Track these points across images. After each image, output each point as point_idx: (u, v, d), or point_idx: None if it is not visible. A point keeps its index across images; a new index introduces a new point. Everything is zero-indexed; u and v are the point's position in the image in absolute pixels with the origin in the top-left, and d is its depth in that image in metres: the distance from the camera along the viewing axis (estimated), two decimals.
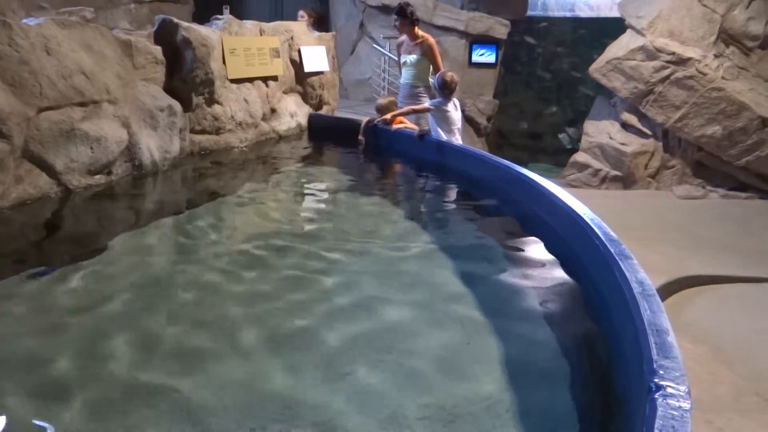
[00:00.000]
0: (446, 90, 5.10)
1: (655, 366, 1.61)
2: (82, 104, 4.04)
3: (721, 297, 5.19)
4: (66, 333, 2.28)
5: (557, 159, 12.28)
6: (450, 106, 5.20)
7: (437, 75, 5.28)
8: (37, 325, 2.33)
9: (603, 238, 2.63)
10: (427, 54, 5.80)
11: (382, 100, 5.99)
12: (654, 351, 1.68)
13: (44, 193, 3.79)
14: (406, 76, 6.03)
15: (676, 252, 5.95)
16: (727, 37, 8.79)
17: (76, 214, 3.75)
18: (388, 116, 5.25)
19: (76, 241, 3.38)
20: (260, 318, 2.45)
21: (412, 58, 5.87)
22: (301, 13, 7.77)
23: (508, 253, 3.34)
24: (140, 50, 4.75)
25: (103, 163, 4.17)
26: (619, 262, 2.33)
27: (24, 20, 4.10)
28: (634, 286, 2.11)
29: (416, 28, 5.83)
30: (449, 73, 5.19)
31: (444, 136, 5.24)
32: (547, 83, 13.42)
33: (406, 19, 5.74)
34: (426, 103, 5.53)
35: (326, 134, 6.57)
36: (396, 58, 6.89)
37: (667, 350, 1.69)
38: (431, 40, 5.88)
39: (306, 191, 4.82)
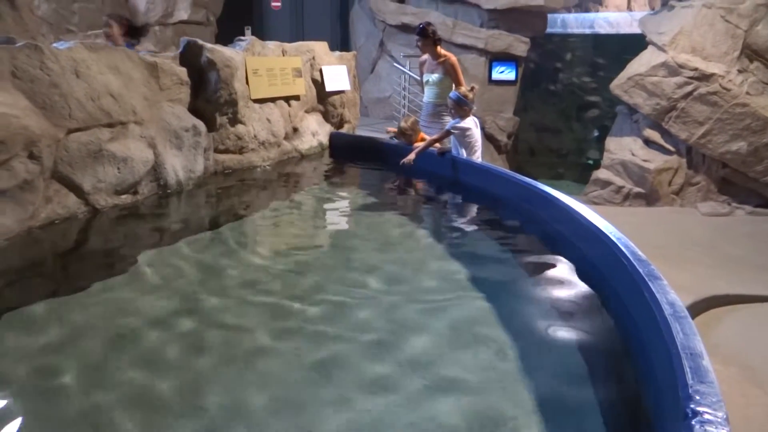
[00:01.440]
0: (464, 106, 5.10)
1: (690, 391, 1.57)
2: (109, 125, 4.11)
3: (751, 316, 5.08)
4: (89, 351, 2.30)
5: (579, 176, 12.21)
6: (470, 123, 5.19)
7: (452, 92, 5.28)
8: (60, 341, 2.35)
9: (631, 258, 2.60)
10: (449, 73, 5.81)
11: (404, 123, 5.98)
12: (689, 376, 1.64)
13: (72, 212, 3.85)
14: (428, 94, 6.04)
15: (702, 270, 5.86)
16: (751, 53, 8.71)
17: (102, 234, 3.80)
18: (412, 157, 5.21)
19: (103, 260, 3.42)
20: (285, 340, 2.44)
21: (435, 77, 5.88)
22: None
23: (531, 272, 3.31)
24: (166, 72, 4.83)
25: (130, 183, 4.23)
26: (649, 283, 2.29)
27: (54, 44, 4.20)
28: (665, 307, 2.08)
29: (439, 47, 5.85)
30: (463, 89, 5.20)
31: (464, 154, 5.24)
32: (567, 100, 13.38)
33: (429, 38, 5.77)
34: (447, 122, 5.54)
35: (347, 152, 6.61)
36: (417, 77, 6.91)
37: (703, 375, 1.65)
38: (453, 58, 5.89)
39: (328, 210, 4.84)
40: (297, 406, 1.99)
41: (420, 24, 5.92)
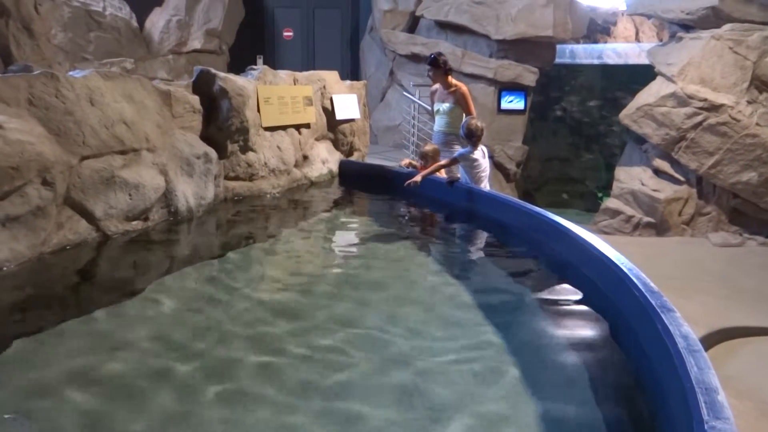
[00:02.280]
0: (473, 138, 5.12)
1: (706, 427, 1.54)
2: (122, 152, 4.16)
3: (765, 349, 5.00)
4: (99, 379, 2.29)
5: (588, 205, 12.19)
6: (478, 154, 5.20)
7: (463, 123, 5.30)
8: (73, 368, 2.35)
9: (643, 290, 2.57)
10: (460, 102, 5.84)
11: (428, 147, 6.03)
12: (704, 411, 1.61)
13: (83, 238, 3.87)
14: (439, 123, 6.07)
15: (715, 302, 5.78)
16: (760, 84, 8.73)
17: (112, 260, 3.81)
18: (419, 179, 5.23)
19: (113, 286, 3.42)
20: (294, 368, 2.42)
21: (446, 106, 5.91)
22: None
23: (542, 303, 3.28)
24: (179, 100, 4.90)
25: (141, 210, 4.26)
26: (662, 315, 2.26)
27: (70, 72, 4.27)
28: (679, 340, 2.05)
29: (450, 77, 5.90)
30: (473, 121, 5.22)
31: (472, 183, 5.24)
32: (576, 129, 13.42)
33: (440, 68, 5.81)
34: (457, 151, 5.56)
35: (357, 180, 6.64)
36: (427, 106, 6.95)
37: (718, 410, 1.62)
38: (464, 88, 5.93)
39: (337, 237, 4.84)
40: None
41: (431, 54, 5.97)
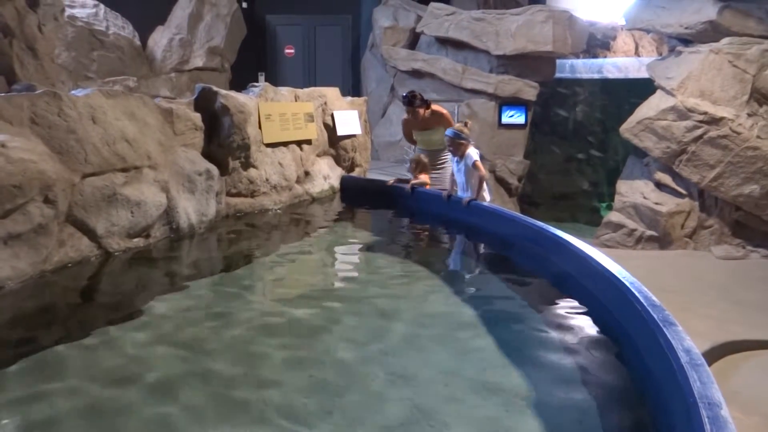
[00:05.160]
0: (461, 140, 5.09)
1: None
2: (124, 170, 4.17)
3: None
4: (100, 397, 2.28)
5: (589, 218, 12.16)
6: (476, 155, 5.15)
7: (448, 129, 5.28)
8: (74, 385, 2.34)
9: (645, 304, 2.56)
10: (443, 123, 5.96)
11: (418, 156, 6.19)
12: (708, 427, 1.60)
13: (85, 256, 3.87)
14: (429, 144, 6.19)
15: (718, 315, 5.75)
16: (760, 96, 8.74)
17: (114, 278, 3.82)
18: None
19: (115, 304, 3.42)
20: (297, 384, 2.41)
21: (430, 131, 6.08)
22: None
23: (542, 317, 3.27)
24: (181, 117, 4.93)
25: (142, 227, 4.26)
26: (664, 330, 2.26)
27: (72, 91, 4.31)
28: (681, 355, 2.04)
29: (430, 108, 6.06)
30: (457, 125, 5.28)
31: (475, 187, 5.15)
32: (577, 143, 13.45)
33: (422, 102, 5.95)
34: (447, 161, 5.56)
35: (358, 196, 6.65)
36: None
37: (722, 425, 1.61)
38: (444, 111, 6.14)
39: (339, 253, 4.84)
40: None
41: (405, 94, 6.07)
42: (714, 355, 4.94)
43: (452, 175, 5.49)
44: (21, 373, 2.46)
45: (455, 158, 5.27)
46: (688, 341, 2.16)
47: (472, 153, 5.11)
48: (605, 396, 2.37)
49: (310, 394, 2.34)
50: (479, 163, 5.12)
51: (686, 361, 1.99)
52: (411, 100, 5.92)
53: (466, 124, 5.26)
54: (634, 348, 2.59)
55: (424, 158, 6.09)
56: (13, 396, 2.27)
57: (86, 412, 2.18)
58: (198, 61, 11.96)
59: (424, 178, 6.00)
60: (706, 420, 1.64)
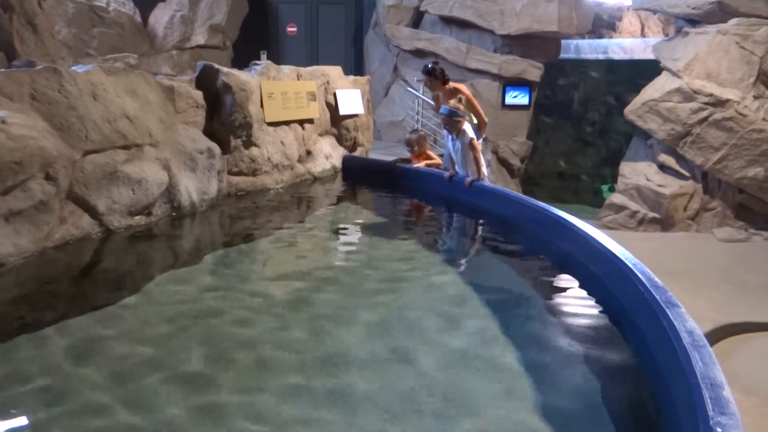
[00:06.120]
0: (456, 117, 5.05)
1: (712, 423, 1.53)
2: (125, 147, 4.15)
3: None
4: (102, 373, 2.28)
5: (592, 200, 12.14)
6: (471, 132, 5.13)
7: (443, 107, 5.23)
8: (70, 366, 2.34)
9: (648, 285, 2.55)
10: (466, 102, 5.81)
11: (413, 136, 6.16)
12: (709, 407, 1.60)
13: (86, 233, 3.86)
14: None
15: (720, 297, 5.75)
16: (767, 79, 8.66)
17: (115, 255, 3.81)
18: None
19: (116, 281, 3.42)
20: (294, 361, 2.42)
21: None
22: None
23: (545, 298, 3.27)
24: (182, 95, 4.89)
25: (144, 205, 4.25)
26: (667, 311, 2.25)
27: (73, 67, 4.27)
28: (684, 336, 2.03)
29: (449, 84, 5.88)
30: (452, 101, 5.22)
31: (473, 164, 5.11)
32: (581, 124, 13.37)
33: (438, 79, 5.72)
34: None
35: (360, 175, 6.62)
36: (431, 102, 6.92)
37: (724, 406, 1.61)
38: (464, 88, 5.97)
39: (340, 233, 4.83)
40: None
41: (428, 63, 5.87)
42: (716, 336, 4.95)
43: (450, 154, 5.45)
44: (16, 346, 2.46)
45: (450, 136, 5.23)
46: (691, 322, 2.15)
47: (468, 131, 5.09)
48: (607, 375, 2.37)
49: (303, 369, 2.34)
50: (475, 142, 5.10)
51: (689, 342, 1.98)
52: (430, 71, 5.74)
53: (460, 100, 5.23)
54: (637, 329, 2.58)
55: (415, 137, 6.13)
56: (15, 368, 2.28)
57: (84, 382, 2.18)
58: (199, 38, 11.87)
59: (423, 160, 6.05)
60: (708, 400, 1.63)
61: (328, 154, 6.71)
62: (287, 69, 6.30)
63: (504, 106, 11.59)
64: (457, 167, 5.30)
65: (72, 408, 2.06)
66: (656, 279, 2.62)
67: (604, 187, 12.10)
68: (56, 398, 2.11)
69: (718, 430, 1.50)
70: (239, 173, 5.47)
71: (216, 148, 5.01)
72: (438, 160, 6.09)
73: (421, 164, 6.02)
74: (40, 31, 6.55)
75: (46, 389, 2.17)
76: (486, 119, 5.70)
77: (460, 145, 5.14)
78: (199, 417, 2.03)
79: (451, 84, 5.80)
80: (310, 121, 6.38)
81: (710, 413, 1.57)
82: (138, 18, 11.51)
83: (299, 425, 2.00)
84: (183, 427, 1.98)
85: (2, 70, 3.79)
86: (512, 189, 9.54)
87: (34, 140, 3.39)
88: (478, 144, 5.21)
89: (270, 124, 5.72)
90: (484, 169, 5.24)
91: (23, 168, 3.29)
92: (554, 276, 3.60)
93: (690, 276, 6.35)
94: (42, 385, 2.19)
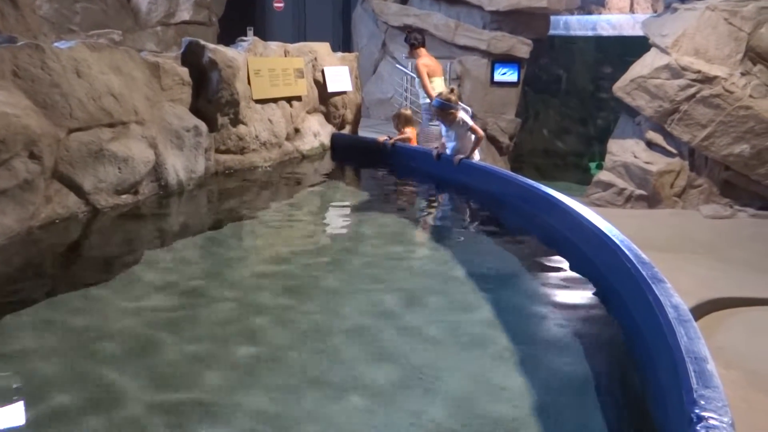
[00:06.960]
0: (448, 110, 4.97)
1: (695, 396, 1.55)
2: (110, 125, 4.10)
3: (754, 320, 5.05)
4: (87, 353, 2.28)
5: (580, 177, 12.18)
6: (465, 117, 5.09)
7: (435, 99, 5.17)
8: (58, 346, 2.34)
9: (634, 261, 2.58)
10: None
11: (404, 110, 6.35)
12: (694, 380, 1.62)
13: (72, 212, 3.83)
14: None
15: (705, 273, 5.83)
16: (755, 56, 8.67)
17: (102, 234, 3.79)
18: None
19: (103, 260, 3.41)
20: (285, 340, 2.43)
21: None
22: None
23: (533, 276, 3.29)
24: (168, 72, 4.82)
25: (130, 183, 4.21)
26: (653, 286, 2.27)
27: (55, 43, 4.19)
28: (669, 311, 2.05)
29: (415, 50, 5.97)
30: (444, 91, 5.15)
31: (467, 150, 5.09)
32: (569, 101, 13.36)
33: (417, 39, 5.84)
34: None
35: (349, 153, 6.60)
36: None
37: (708, 379, 1.63)
38: (417, 61, 6.23)
39: (329, 211, 4.83)
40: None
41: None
42: (700, 311, 5.02)
43: (440, 133, 5.43)
44: (8, 328, 2.45)
45: (444, 125, 5.19)
46: (676, 297, 2.18)
47: (465, 118, 5.03)
48: (594, 350, 2.40)
49: (294, 345, 2.36)
50: (476, 127, 5.07)
51: (674, 316, 2.01)
52: (405, 38, 5.85)
53: (452, 91, 5.11)
54: (623, 304, 2.61)
55: (406, 111, 6.15)
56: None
57: (73, 362, 2.18)
58: (184, 14, 11.68)
59: (409, 133, 6.01)
60: (693, 374, 1.66)
61: (317, 132, 6.67)
62: (274, 45, 6.22)
63: (493, 83, 11.56)
64: (448, 151, 5.27)
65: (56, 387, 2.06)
66: (643, 255, 2.65)
67: (592, 165, 12.15)
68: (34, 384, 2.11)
69: (702, 402, 1.52)
70: (227, 151, 5.43)
71: (203, 126, 4.96)
72: (407, 135, 6.09)
73: (391, 140, 6.02)
74: (20, 6, 6.40)
75: (31, 368, 2.16)
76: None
77: (453, 133, 5.11)
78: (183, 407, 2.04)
79: (416, 52, 5.89)
80: (298, 98, 6.32)
81: (694, 386, 1.60)
82: None
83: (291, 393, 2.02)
84: (168, 411, 1.99)
85: None
86: (501, 167, 9.54)
87: (18, 118, 3.34)
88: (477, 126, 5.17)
89: (257, 101, 5.67)
90: (476, 152, 5.23)
91: (6, 146, 3.24)
92: (542, 253, 3.62)
93: (676, 252, 6.42)
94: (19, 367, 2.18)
